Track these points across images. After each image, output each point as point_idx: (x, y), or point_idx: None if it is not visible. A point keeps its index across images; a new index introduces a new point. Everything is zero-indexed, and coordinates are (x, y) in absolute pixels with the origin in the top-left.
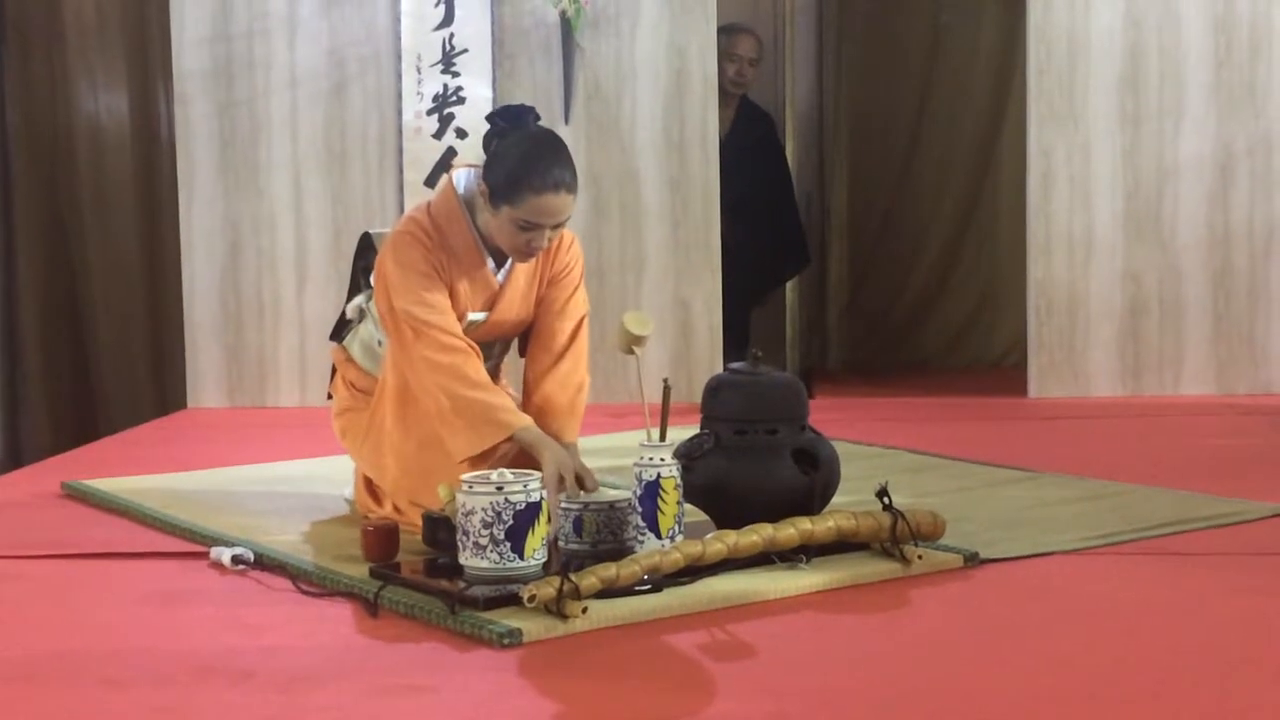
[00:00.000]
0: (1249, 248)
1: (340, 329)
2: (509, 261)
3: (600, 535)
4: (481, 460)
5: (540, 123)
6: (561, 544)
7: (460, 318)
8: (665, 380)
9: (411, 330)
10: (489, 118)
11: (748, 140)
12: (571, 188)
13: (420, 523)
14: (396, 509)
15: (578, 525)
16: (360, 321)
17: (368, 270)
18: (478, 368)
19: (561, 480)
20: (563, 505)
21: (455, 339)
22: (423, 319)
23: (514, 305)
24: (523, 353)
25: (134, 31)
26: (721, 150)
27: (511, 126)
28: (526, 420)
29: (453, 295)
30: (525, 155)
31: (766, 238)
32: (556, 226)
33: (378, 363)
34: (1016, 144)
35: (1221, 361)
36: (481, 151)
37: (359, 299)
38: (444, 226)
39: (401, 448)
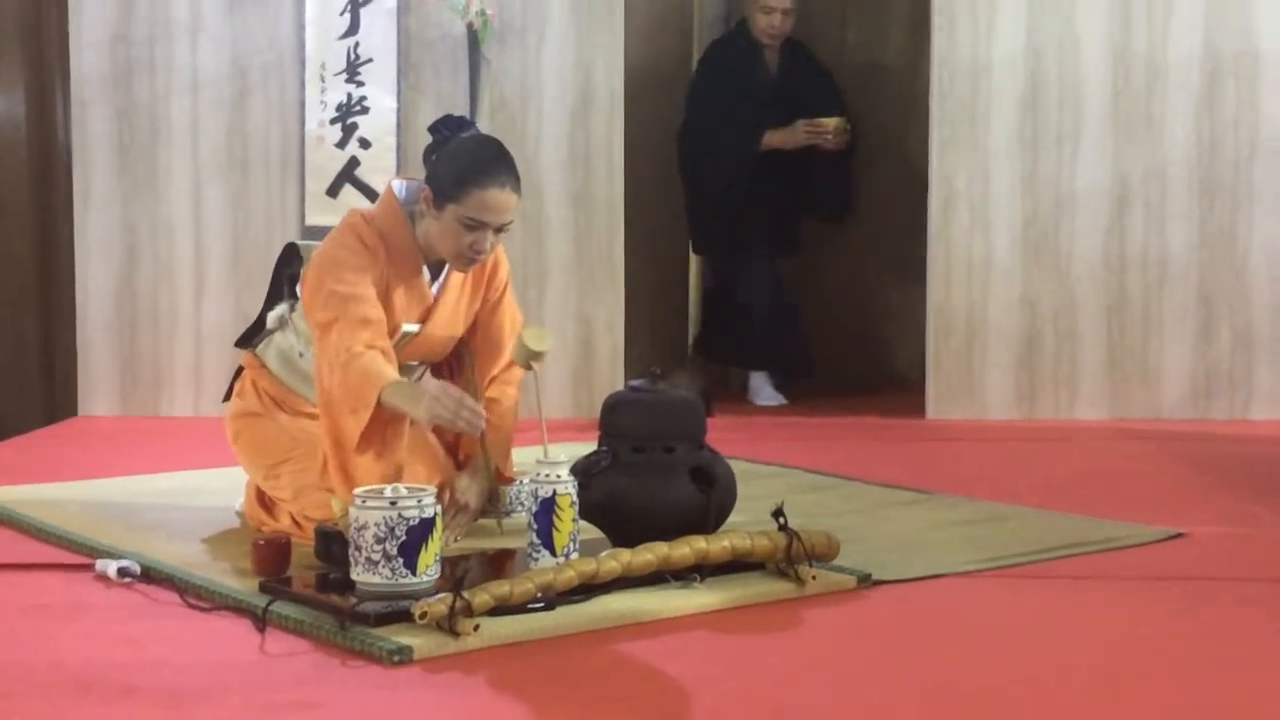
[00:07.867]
0: (1143, 277)
1: (251, 335)
2: (444, 274)
3: None
4: (378, 440)
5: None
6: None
7: (394, 330)
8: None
9: (335, 311)
10: (431, 128)
11: (794, 81)
12: (516, 188)
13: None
14: (295, 521)
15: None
16: (280, 330)
17: (294, 280)
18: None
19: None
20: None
21: (375, 314)
22: (345, 293)
23: (445, 320)
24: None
25: (31, 31)
26: (766, 91)
27: (453, 134)
28: (393, 377)
29: (388, 305)
30: (472, 155)
31: (809, 180)
32: (500, 229)
33: (295, 374)
34: (918, 167)
35: (1115, 386)
36: (386, 161)
37: (281, 308)
38: (385, 231)
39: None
